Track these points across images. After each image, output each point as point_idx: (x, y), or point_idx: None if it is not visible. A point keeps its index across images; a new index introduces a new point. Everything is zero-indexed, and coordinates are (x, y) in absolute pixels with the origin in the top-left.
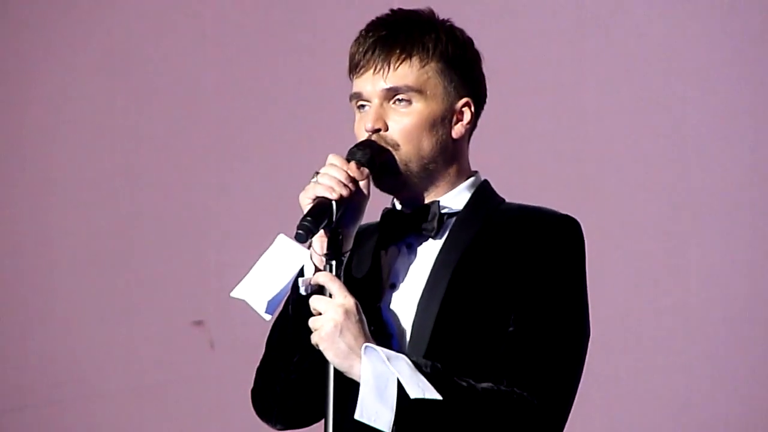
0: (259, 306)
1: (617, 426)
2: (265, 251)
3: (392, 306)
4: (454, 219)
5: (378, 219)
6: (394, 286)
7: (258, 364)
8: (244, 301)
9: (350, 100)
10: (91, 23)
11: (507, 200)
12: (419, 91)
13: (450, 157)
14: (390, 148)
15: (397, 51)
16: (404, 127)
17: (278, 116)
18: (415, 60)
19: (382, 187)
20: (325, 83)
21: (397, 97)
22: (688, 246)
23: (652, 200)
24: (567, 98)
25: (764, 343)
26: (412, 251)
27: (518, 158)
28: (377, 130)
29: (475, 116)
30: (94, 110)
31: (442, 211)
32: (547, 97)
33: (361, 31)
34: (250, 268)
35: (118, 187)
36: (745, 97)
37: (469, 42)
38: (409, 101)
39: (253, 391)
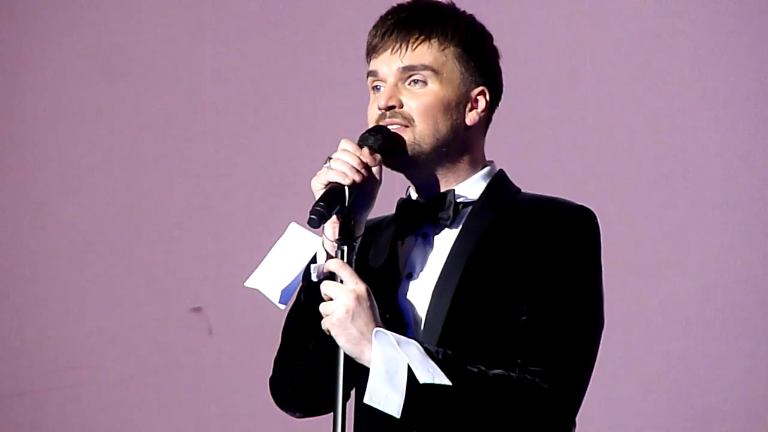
0: (273, 295)
1: (613, 415)
2: (277, 240)
3: (408, 295)
4: (469, 208)
5: (391, 210)
6: (410, 276)
7: (275, 353)
8: (250, 288)
9: (366, 78)
10: (89, 11)
11: (523, 190)
12: (436, 71)
13: (462, 143)
14: (406, 123)
15: (416, 32)
16: (420, 105)
17: (277, 104)
18: (434, 42)
19: (393, 163)
20: (325, 70)
21: (412, 77)
22: (686, 235)
23: (649, 189)
24: (568, 88)
25: (761, 334)
26: (428, 241)
27: (520, 147)
28: (391, 107)
29: (490, 107)
30: (90, 97)
31: (458, 200)
32: (549, 87)
33: (380, 16)
34: (263, 257)
35: (116, 173)
36: (743, 86)
37: (488, 35)
38: (425, 82)
39: (271, 380)
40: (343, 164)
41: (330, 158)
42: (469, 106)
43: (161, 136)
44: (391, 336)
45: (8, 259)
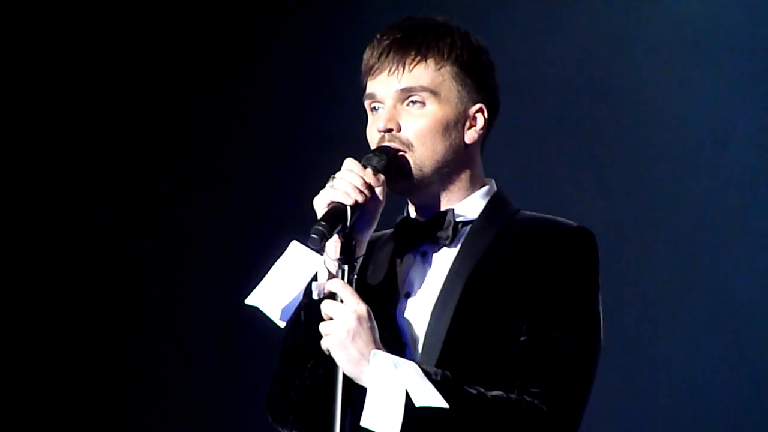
0: (274, 313)
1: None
2: (278, 258)
3: (407, 314)
4: (468, 227)
5: (390, 227)
6: (409, 295)
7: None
8: (251, 305)
9: (364, 101)
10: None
11: (522, 210)
12: (434, 92)
13: (463, 162)
14: (404, 149)
15: (413, 53)
16: (418, 129)
17: (281, 121)
18: (431, 62)
19: (396, 188)
20: (327, 86)
21: (411, 98)
22: (692, 251)
23: (651, 203)
24: (567, 100)
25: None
26: (426, 260)
27: (517, 163)
28: (389, 130)
29: (488, 124)
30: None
31: (457, 220)
32: (546, 100)
33: (375, 35)
34: (264, 274)
35: (111, 180)
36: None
37: (484, 49)
38: (423, 103)
39: (267, 399)
40: (347, 184)
41: (333, 177)
42: (467, 124)
43: (157, 141)
44: (389, 358)
45: None
